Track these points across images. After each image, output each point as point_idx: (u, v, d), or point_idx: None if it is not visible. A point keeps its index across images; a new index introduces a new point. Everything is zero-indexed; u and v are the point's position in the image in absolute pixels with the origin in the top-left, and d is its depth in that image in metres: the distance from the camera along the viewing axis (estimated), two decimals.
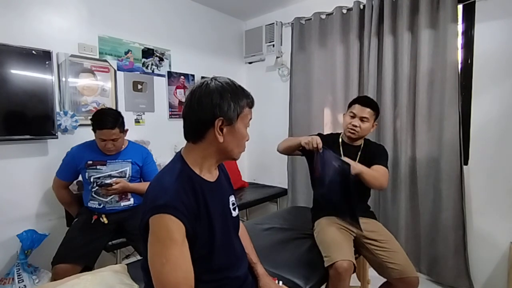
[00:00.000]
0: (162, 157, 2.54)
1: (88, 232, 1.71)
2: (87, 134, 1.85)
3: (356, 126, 1.61)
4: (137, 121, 2.50)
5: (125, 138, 1.87)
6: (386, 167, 1.58)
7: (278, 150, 1.78)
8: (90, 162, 1.77)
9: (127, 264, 1.34)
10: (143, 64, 2.52)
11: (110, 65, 2.30)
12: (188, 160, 0.89)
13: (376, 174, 1.51)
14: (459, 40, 2.03)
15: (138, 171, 1.89)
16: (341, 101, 2.55)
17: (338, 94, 2.56)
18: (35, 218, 1.99)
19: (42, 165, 1.99)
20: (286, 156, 2.95)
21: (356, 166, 1.45)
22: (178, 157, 0.91)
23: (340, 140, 1.72)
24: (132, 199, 1.87)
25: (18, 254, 1.82)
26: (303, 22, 2.80)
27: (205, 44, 2.99)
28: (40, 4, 1.95)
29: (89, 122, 1.73)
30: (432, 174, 2.14)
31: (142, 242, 0.83)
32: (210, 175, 0.93)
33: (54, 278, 1.55)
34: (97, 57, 2.23)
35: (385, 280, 1.52)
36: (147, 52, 2.54)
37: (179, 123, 2.97)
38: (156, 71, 2.61)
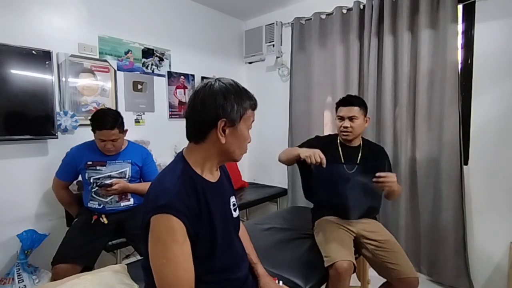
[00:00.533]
0: (162, 157, 2.54)
1: (88, 232, 1.71)
2: (87, 134, 1.85)
3: (347, 127, 1.60)
4: (137, 121, 2.50)
5: (125, 138, 1.87)
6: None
7: (279, 161, 1.70)
8: (90, 162, 1.77)
9: (127, 264, 1.34)
10: (143, 64, 2.52)
11: (110, 65, 2.30)
12: (190, 161, 0.89)
13: (400, 188, 1.55)
14: (459, 40, 2.03)
15: (138, 171, 1.89)
16: None
17: (338, 94, 2.55)
18: (35, 218, 1.99)
19: (42, 165, 1.99)
20: None
21: (397, 188, 1.48)
22: (180, 157, 0.91)
23: (339, 141, 1.70)
24: (132, 200, 1.87)
25: (18, 254, 1.82)
26: (303, 22, 2.80)
27: (205, 44, 2.99)
28: (40, 4, 1.95)
29: (89, 122, 1.73)
30: (432, 174, 2.14)
31: (143, 241, 0.83)
32: (212, 175, 0.93)
33: (54, 278, 1.55)
34: (97, 57, 2.23)
35: (385, 280, 1.52)
36: (147, 52, 2.54)
37: (179, 123, 2.97)
38: (156, 71, 2.61)
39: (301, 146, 1.66)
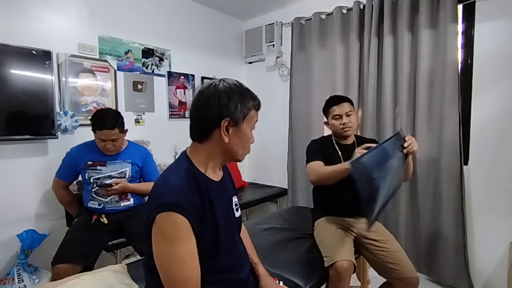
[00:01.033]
0: (162, 157, 2.55)
1: (88, 232, 1.71)
2: (87, 134, 1.85)
3: (347, 123, 1.62)
4: (137, 121, 2.50)
5: (125, 138, 1.87)
6: None
7: (316, 182, 1.55)
8: (90, 162, 1.77)
9: (127, 264, 1.34)
10: (143, 64, 2.52)
11: (110, 65, 2.30)
12: (194, 159, 0.89)
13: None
14: (459, 40, 2.03)
15: (138, 171, 1.89)
16: None
17: (338, 94, 2.55)
18: (35, 218, 1.99)
19: (42, 165, 1.99)
20: (286, 156, 2.96)
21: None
22: (184, 156, 0.92)
23: (334, 141, 1.71)
24: (132, 200, 1.87)
25: (18, 254, 1.82)
26: (303, 22, 2.80)
27: (205, 44, 2.99)
28: (40, 4, 1.95)
29: (89, 122, 1.73)
30: (432, 174, 2.14)
31: (146, 240, 0.83)
32: (215, 174, 0.93)
33: (54, 278, 1.55)
34: (97, 57, 2.23)
35: (385, 280, 1.52)
36: (147, 52, 2.54)
37: (179, 123, 2.97)
38: (156, 71, 2.61)
39: (309, 157, 1.61)
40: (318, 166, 1.54)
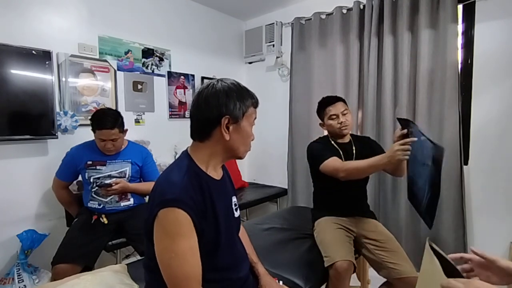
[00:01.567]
0: (162, 157, 2.55)
1: (88, 232, 1.71)
2: (87, 134, 1.85)
3: (344, 122, 1.62)
4: (137, 121, 2.50)
5: (125, 138, 1.87)
6: None
7: (345, 176, 1.46)
8: (90, 162, 1.77)
9: (127, 264, 1.34)
10: (143, 64, 2.52)
11: (110, 65, 2.30)
12: (195, 158, 0.91)
13: None
14: (459, 40, 2.03)
15: (138, 171, 1.89)
16: None
17: (338, 94, 2.54)
18: (35, 218, 1.99)
19: (42, 165, 1.99)
20: (286, 156, 2.96)
21: None
22: (185, 154, 0.93)
23: (332, 141, 1.71)
24: (132, 199, 1.87)
25: (18, 254, 1.82)
26: (303, 22, 2.80)
27: (205, 44, 2.99)
28: (40, 4, 1.95)
29: (89, 122, 1.73)
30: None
31: (147, 239, 0.83)
32: (216, 173, 0.94)
33: (54, 278, 1.55)
34: (97, 57, 2.23)
35: (385, 280, 1.52)
36: (147, 52, 2.54)
37: (179, 123, 2.96)
38: (156, 71, 2.61)
39: (322, 156, 1.57)
40: (340, 162, 1.51)
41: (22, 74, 1.81)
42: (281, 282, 1.14)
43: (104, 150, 1.75)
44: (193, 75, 2.89)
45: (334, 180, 1.50)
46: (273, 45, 3.00)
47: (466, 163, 2.08)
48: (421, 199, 1.26)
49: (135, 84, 2.47)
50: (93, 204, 1.80)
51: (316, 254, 1.49)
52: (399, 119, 1.38)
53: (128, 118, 2.30)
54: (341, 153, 1.65)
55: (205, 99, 0.87)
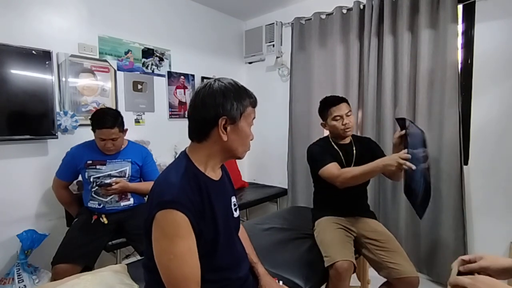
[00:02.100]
0: (162, 157, 2.55)
1: (88, 232, 1.71)
2: (87, 134, 1.85)
3: (348, 124, 1.62)
4: (137, 121, 2.50)
5: (125, 138, 1.87)
6: None
7: (350, 181, 1.45)
8: (90, 162, 1.77)
9: (127, 264, 1.34)
10: (143, 64, 2.52)
11: (110, 65, 2.30)
12: (193, 158, 0.90)
13: None
14: (459, 40, 2.03)
15: (138, 170, 1.89)
16: None
17: (338, 94, 2.54)
18: (35, 218, 1.99)
19: (42, 165, 1.99)
20: (286, 156, 2.96)
21: None
22: (183, 155, 0.92)
23: (332, 142, 1.71)
24: (132, 199, 1.87)
25: (18, 254, 1.82)
26: (303, 22, 2.80)
27: (205, 44, 2.99)
28: (40, 4, 1.95)
29: (89, 122, 1.73)
30: (432, 174, 2.13)
31: (146, 239, 0.83)
32: (214, 173, 0.94)
33: (54, 278, 1.55)
34: (97, 57, 2.23)
35: (385, 280, 1.52)
36: (147, 52, 2.54)
37: (179, 123, 2.96)
38: (156, 71, 2.61)
39: (321, 161, 1.57)
40: (338, 169, 1.51)
41: (22, 74, 1.81)
42: (281, 282, 1.14)
43: (104, 150, 1.75)
44: (193, 75, 2.89)
45: None
46: (273, 45, 3.00)
47: (466, 163, 2.08)
48: (417, 193, 1.29)
49: (135, 84, 2.47)
50: (93, 204, 1.80)
51: (316, 254, 1.49)
52: (397, 119, 1.42)
53: (128, 118, 2.30)
54: (341, 154, 1.65)
55: (202, 100, 0.86)
